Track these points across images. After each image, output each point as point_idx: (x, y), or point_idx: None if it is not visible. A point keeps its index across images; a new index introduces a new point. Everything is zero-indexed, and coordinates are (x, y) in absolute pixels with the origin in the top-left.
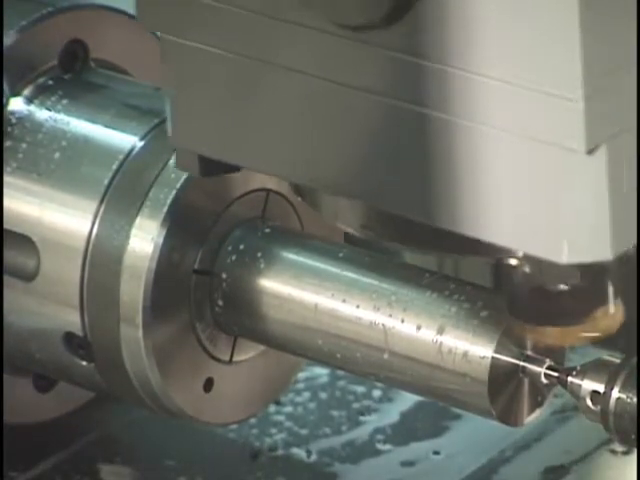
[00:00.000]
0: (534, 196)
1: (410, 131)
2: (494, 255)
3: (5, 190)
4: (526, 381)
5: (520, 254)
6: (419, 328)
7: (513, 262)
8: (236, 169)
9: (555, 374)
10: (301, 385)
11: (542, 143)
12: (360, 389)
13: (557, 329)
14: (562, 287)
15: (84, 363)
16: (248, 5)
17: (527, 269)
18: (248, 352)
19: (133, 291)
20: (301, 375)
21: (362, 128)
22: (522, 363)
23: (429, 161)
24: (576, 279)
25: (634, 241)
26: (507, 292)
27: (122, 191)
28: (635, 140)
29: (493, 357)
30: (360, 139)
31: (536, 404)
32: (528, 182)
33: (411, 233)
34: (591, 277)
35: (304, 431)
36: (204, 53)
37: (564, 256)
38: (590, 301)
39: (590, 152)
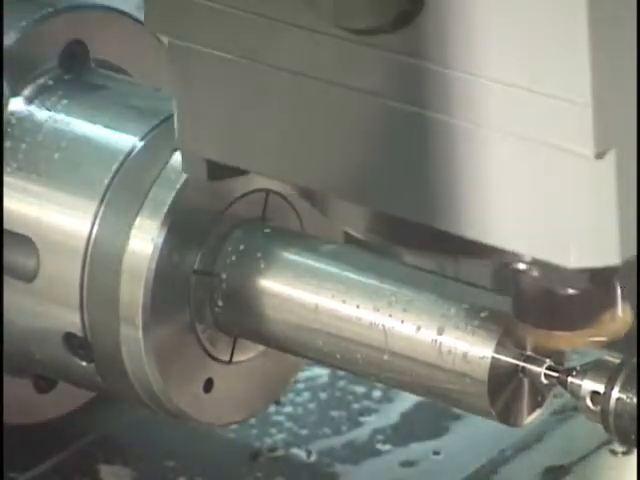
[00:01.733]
0: (542, 200)
1: (416, 135)
2: (499, 258)
3: (5, 190)
4: (526, 381)
5: (527, 258)
6: (419, 328)
7: (521, 266)
8: (243, 172)
9: (555, 374)
10: (301, 385)
11: (550, 147)
12: (360, 389)
13: (565, 333)
14: (570, 291)
15: (84, 363)
16: (252, 8)
17: (535, 273)
18: (248, 352)
19: (133, 291)
20: (301, 375)
21: (366, 131)
22: (522, 363)
23: (435, 165)
24: (584, 283)
25: None
26: (514, 296)
27: (122, 191)
28: None
29: (493, 357)
30: (364, 143)
31: (536, 404)
32: (536, 186)
33: (416, 236)
34: (599, 281)
35: (304, 431)
36: (210, 56)
37: (572, 260)
38: (598, 305)
39: (598, 156)
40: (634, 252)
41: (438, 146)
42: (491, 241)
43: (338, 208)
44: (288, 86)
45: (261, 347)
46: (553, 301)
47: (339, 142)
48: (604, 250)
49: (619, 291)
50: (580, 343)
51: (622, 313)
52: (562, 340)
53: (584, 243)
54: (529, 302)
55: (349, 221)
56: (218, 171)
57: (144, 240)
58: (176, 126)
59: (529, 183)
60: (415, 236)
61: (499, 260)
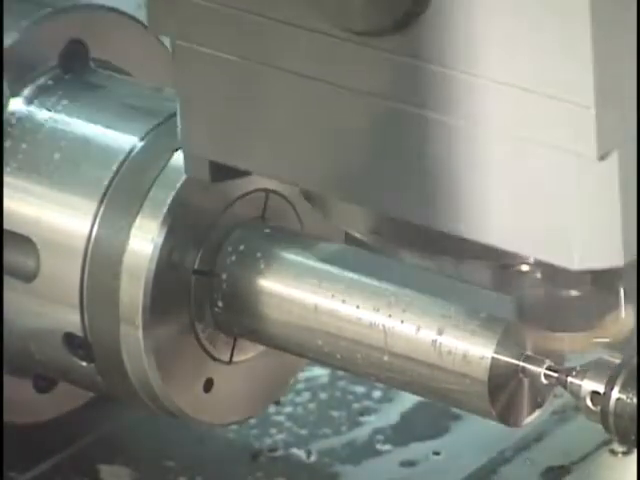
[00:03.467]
0: (545, 201)
1: (416, 136)
2: (501, 260)
3: (5, 190)
4: (526, 381)
5: (530, 260)
6: (419, 329)
7: (524, 268)
8: (245, 173)
9: (555, 374)
10: (301, 385)
11: (554, 149)
12: (360, 389)
13: (569, 335)
14: (573, 293)
15: (84, 363)
16: (256, 9)
17: (538, 275)
18: (248, 352)
19: (133, 291)
20: (301, 375)
21: (366, 133)
22: (522, 363)
23: (435, 166)
24: (587, 285)
25: None
26: (517, 298)
27: (122, 191)
28: None
29: (493, 357)
30: (364, 144)
31: (536, 404)
32: (539, 187)
33: (418, 238)
34: (601, 282)
35: (304, 431)
36: (212, 57)
37: (576, 262)
38: (600, 307)
39: (602, 158)
40: (635, 253)
41: (439, 147)
42: (493, 242)
43: (339, 209)
44: (288, 87)
45: (261, 347)
46: (556, 303)
47: (339, 144)
48: (607, 251)
49: (622, 293)
50: (581, 345)
51: (624, 315)
52: (564, 342)
53: (587, 244)
54: (532, 304)
55: (351, 222)
56: (220, 172)
57: (144, 240)
58: (179, 127)
59: (532, 184)
60: (417, 238)
61: (501, 262)
